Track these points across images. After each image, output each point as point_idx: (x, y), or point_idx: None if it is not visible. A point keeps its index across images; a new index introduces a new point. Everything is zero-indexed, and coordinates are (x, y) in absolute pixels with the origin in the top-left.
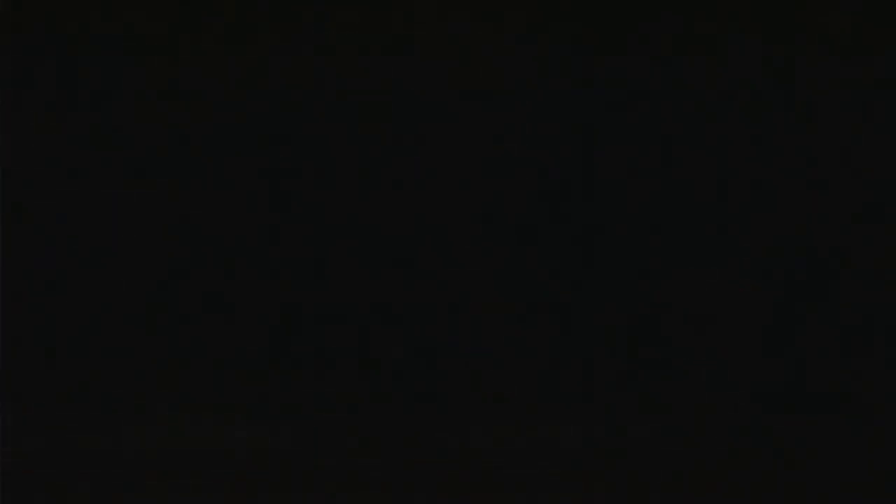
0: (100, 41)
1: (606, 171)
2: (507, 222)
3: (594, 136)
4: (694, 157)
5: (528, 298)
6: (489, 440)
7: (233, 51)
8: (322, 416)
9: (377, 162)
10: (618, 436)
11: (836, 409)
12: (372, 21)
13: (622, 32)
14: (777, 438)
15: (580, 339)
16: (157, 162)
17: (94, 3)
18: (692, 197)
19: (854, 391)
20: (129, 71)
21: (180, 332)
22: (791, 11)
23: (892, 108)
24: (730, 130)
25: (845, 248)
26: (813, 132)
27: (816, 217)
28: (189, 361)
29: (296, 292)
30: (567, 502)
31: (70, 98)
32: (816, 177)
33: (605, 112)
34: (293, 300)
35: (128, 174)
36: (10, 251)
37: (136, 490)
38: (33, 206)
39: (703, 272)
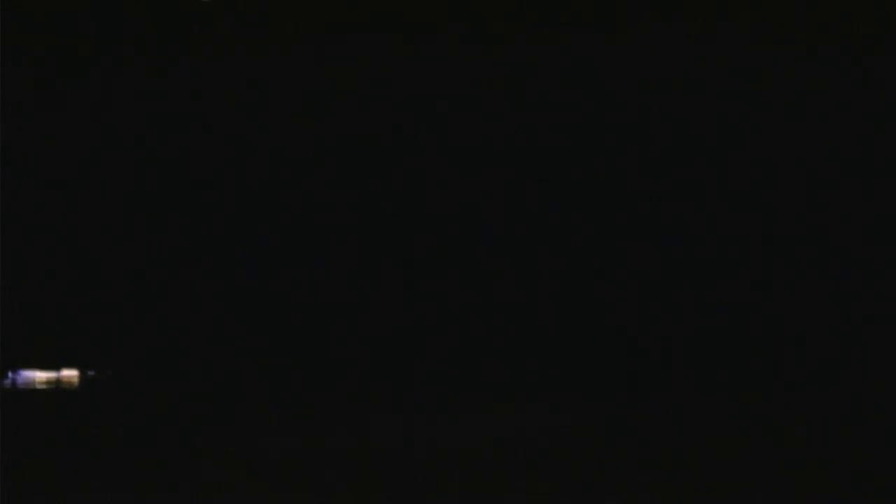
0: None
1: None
2: (504, 221)
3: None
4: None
5: (528, 297)
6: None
7: (230, 52)
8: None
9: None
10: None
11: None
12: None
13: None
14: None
15: (579, 337)
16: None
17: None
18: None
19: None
20: (129, 71)
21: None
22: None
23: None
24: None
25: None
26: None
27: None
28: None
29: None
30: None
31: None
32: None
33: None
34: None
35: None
36: (9, 250)
37: (130, 487)
38: (33, 206)
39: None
